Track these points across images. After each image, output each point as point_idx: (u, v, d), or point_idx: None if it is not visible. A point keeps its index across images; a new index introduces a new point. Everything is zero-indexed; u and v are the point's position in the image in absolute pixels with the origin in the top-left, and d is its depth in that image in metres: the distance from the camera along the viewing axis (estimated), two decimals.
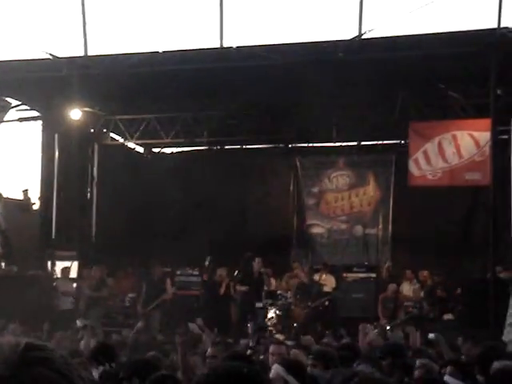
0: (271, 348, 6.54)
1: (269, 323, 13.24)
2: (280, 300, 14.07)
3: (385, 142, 17.05)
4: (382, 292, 13.74)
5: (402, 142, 16.04)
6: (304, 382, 4.49)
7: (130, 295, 14.76)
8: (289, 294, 14.24)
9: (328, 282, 14.38)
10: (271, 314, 13.48)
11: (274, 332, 12.59)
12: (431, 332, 9.62)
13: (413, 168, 14.39)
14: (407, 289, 14.32)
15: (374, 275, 14.35)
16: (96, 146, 17.11)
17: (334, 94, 13.82)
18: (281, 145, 17.84)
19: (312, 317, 13.24)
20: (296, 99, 14.57)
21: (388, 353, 5.93)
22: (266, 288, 14.34)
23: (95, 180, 17.00)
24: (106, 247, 15.90)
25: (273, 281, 14.98)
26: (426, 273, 14.30)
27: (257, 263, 14.01)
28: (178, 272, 14.97)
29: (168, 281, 13.77)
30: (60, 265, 15.21)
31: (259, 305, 13.66)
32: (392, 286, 13.54)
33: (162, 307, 13.56)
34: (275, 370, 4.60)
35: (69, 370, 1.22)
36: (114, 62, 13.05)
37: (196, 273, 14.97)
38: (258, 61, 12.28)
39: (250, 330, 12.54)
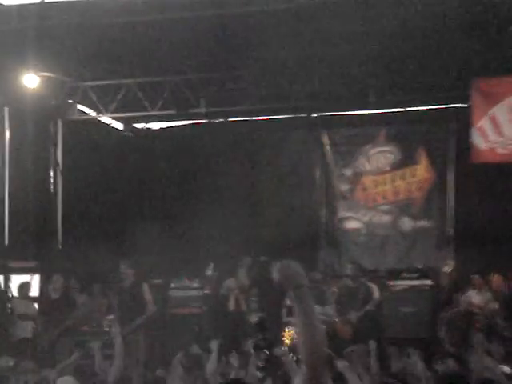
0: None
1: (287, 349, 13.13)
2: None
3: (440, 106, 16.91)
4: (445, 305, 13.54)
5: (463, 105, 15.92)
6: None
7: (111, 317, 14.59)
8: (319, 309, 14.17)
9: None
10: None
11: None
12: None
13: (478, 139, 14.62)
14: (475, 299, 14.11)
15: (430, 282, 14.30)
16: (60, 123, 17.00)
17: (369, 44, 13.79)
18: (302, 115, 17.63)
19: (362, 330, 13.25)
20: (319, 53, 14.53)
21: None
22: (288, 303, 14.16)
23: (60, 167, 16.89)
24: (76, 255, 15.79)
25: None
26: (499, 277, 14.13)
27: (276, 269, 13.81)
28: (173, 284, 15.12)
29: (146, 287, 13.36)
30: (16, 280, 15.03)
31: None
32: (465, 299, 13.31)
33: (147, 329, 13.47)
34: None
35: None
36: (81, 9, 12.92)
37: (196, 285, 15.12)
38: (267, 4, 12.28)
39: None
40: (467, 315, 13.37)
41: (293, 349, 12.08)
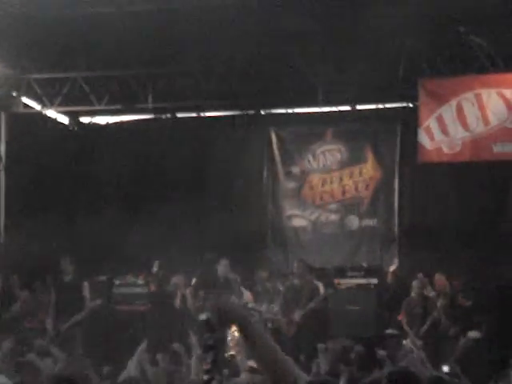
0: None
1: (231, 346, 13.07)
2: (253, 316, 13.92)
3: (387, 105, 16.95)
4: (390, 304, 13.67)
5: (410, 105, 16.04)
6: None
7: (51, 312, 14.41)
8: (264, 308, 14.15)
9: None
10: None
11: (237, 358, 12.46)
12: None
13: (424, 139, 14.64)
14: None
15: (375, 281, 14.25)
16: (3, 116, 16.71)
17: (320, 43, 13.81)
18: (250, 111, 17.57)
19: (306, 329, 13.25)
20: (270, 51, 14.48)
21: None
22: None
23: (2, 162, 16.63)
24: (20, 252, 15.44)
25: (245, 291, 14.83)
26: (442, 278, 14.20)
27: (223, 267, 13.96)
28: (117, 281, 14.98)
29: (85, 285, 13.61)
30: None
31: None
32: (417, 283, 13.31)
33: (84, 327, 13.46)
34: None
35: None
36: (25, 0, 12.79)
37: (141, 282, 14.99)
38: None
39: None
40: (421, 301, 13.47)
41: (238, 350, 12.09)
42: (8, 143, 16.67)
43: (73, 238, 16.33)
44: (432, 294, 14.06)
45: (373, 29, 13.00)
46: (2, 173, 16.66)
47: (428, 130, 14.58)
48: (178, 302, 14.05)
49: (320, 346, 11.21)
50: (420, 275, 14.27)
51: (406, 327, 13.37)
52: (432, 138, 14.58)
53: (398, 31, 13.54)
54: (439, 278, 14.26)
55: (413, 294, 13.66)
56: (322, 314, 13.88)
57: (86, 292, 13.62)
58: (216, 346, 6.38)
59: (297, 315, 13.71)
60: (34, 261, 15.39)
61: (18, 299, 14.35)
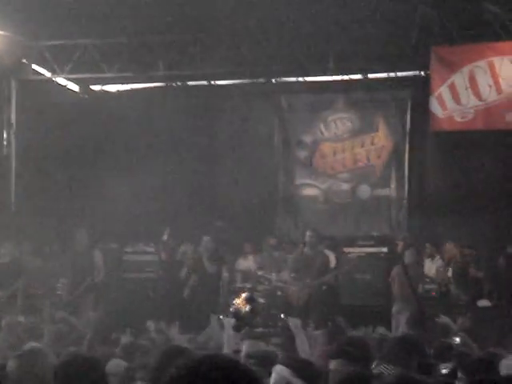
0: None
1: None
2: (262, 284, 13.98)
3: (398, 74, 16.69)
4: None
5: (422, 73, 15.86)
6: None
7: (63, 280, 14.38)
8: (274, 276, 14.09)
9: None
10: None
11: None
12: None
13: (436, 108, 14.46)
14: (428, 267, 14.15)
15: (385, 250, 14.17)
16: (13, 83, 16.62)
17: (330, 11, 13.56)
18: (260, 79, 17.42)
19: (317, 299, 13.03)
20: (280, 16, 14.24)
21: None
22: (239, 268, 14.49)
23: (13, 128, 16.51)
24: (32, 217, 15.55)
25: (251, 258, 14.81)
26: (451, 246, 14.11)
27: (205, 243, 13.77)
28: (128, 249, 14.94)
29: (97, 253, 13.75)
30: None
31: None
32: (410, 253, 13.13)
33: (95, 293, 13.45)
34: (278, 372, 4.73)
35: None
36: None
37: (151, 249, 14.94)
38: None
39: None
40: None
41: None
42: (18, 110, 16.58)
43: (84, 206, 16.34)
44: (439, 262, 14.01)
45: None
46: (13, 139, 16.58)
47: (440, 99, 14.39)
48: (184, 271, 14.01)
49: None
50: (428, 244, 14.23)
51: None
52: (444, 107, 14.40)
53: None
54: (449, 247, 14.21)
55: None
56: (332, 282, 13.80)
57: (98, 260, 13.62)
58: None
59: (307, 284, 13.62)
60: (46, 229, 15.43)
61: (29, 267, 14.30)
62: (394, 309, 12.33)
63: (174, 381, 2.39)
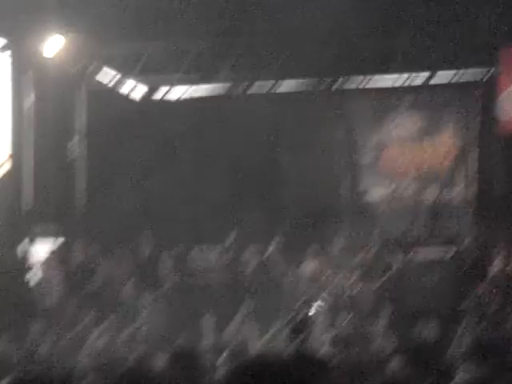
0: None
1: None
2: (327, 287, 13.94)
3: (467, 74, 16.42)
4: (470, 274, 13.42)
5: (491, 74, 15.59)
6: None
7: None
8: (339, 279, 14.07)
9: None
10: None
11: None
12: None
13: (504, 109, 14.39)
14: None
15: (451, 253, 14.18)
16: (83, 87, 16.83)
17: (395, 7, 13.52)
18: (325, 82, 17.34)
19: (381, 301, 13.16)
20: (341, 18, 14.02)
21: None
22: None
23: (83, 132, 16.80)
24: (99, 220, 15.74)
25: (317, 262, 14.72)
26: None
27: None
28: (192, 253, 15.07)
29: (165, 257, 14.07)
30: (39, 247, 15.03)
31: None
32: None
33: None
34: None
35: None
36: None
37: (216, 253, 15.03)
38: None
39: None
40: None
41: None
42: (88, 116, 16.79)
43: (150, 211, 16.46)
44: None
45: None
46: (84, 143, 16.76)
47: (509, 100, 14.18)
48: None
49: None
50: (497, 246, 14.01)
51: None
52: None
53: None
54: None
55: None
56: (396, 286, 13.72)
57: (167, 265, 13.76)
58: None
59: (371, 287, 13.55)
60: (114, 232, 15.54)
61: (97, 269, 14.47)
62: None
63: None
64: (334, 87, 17.17)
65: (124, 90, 17.59)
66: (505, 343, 7.14)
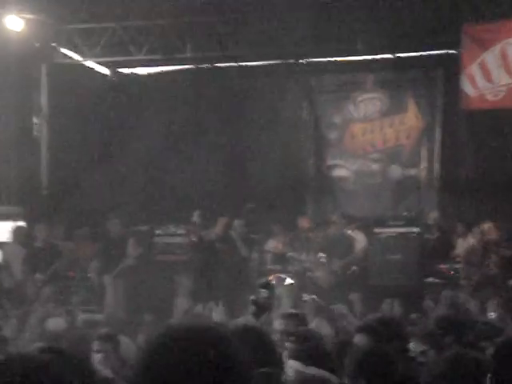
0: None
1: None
2: (292, 265, 13.92)
3: (428, 52, 16.39)
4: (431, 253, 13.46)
5: (452, 52, 15.54)
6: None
7: (95, 263, 14.47)
8: (303, 257, 14.01)
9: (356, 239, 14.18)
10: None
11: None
12: None
13: (466, 86, 14.21)
14: (460, 247, 13.94)
15: (416, 230, 14.04)
16: (43, 67, 16.51)
17: None
18: (290, 60, 17.28)
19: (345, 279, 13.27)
20: None
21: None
22: (270, 250, 14.36)
23: (43, 111, 16.45)
24: (62, 200, 15.53)
25: (282, 239, 14.72)
26: (485, 225, 13.83)
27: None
28: (158, 231, 14.87)
29: (132, 241, 13.94)
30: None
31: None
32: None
33: (126, 278, 13.57)
34: (290, 366, 4.78)
35: None
36: None
37: (181, 231, 14.82)
38: None
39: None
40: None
41: None
42: (49, 94, 16.49)
43: (115, 189, 16.31)
44: (471, 242, 13.85)
45: None
46: (44, 123, 16.50)
47: (471, 77, 14.15)
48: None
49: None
50: (459, 224, 14.09)
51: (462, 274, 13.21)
52: (475, 85, 14.15)
53: None
54: (483, 227, 13.95)
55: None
56: (361, 263, 13.75)
57: (132, 248, 13.80)
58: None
59: (336, 265, 13.57)
60: (77, 212, 15.42)
61: (63, 251, 14.37)
62: None
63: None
64: (300, 65, 17.14)
65: (85, 68, 17.35)
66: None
